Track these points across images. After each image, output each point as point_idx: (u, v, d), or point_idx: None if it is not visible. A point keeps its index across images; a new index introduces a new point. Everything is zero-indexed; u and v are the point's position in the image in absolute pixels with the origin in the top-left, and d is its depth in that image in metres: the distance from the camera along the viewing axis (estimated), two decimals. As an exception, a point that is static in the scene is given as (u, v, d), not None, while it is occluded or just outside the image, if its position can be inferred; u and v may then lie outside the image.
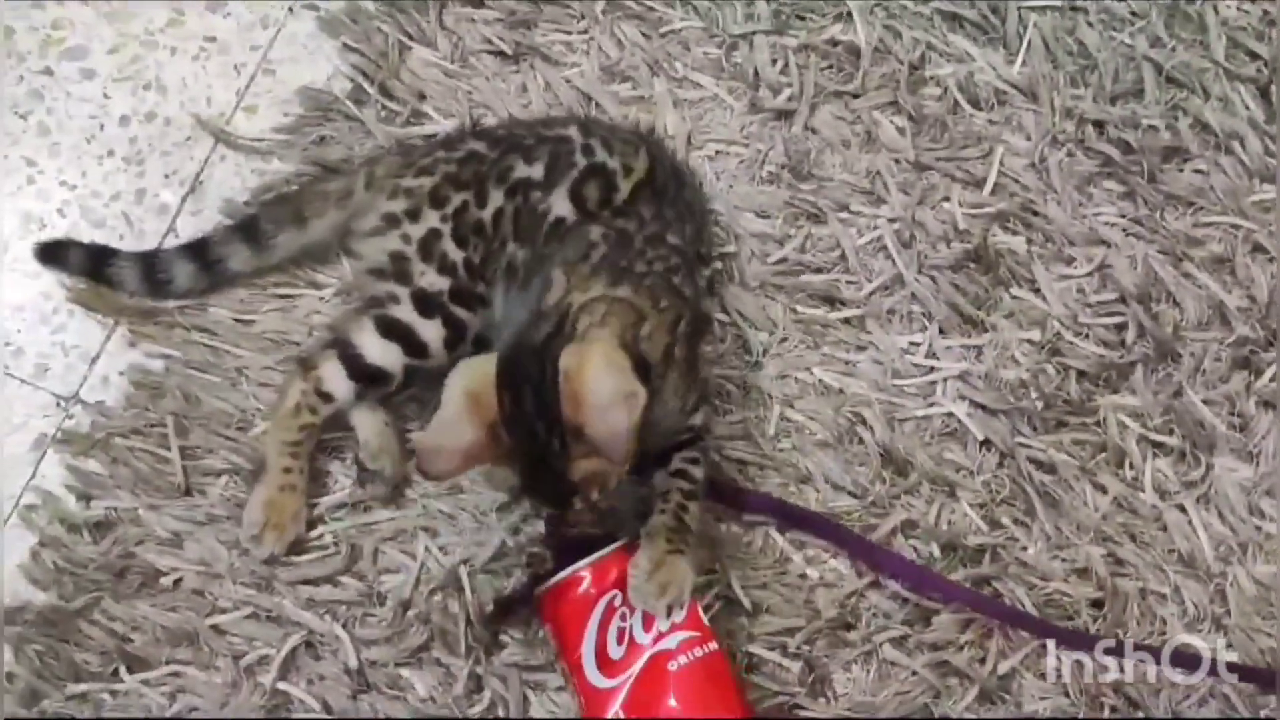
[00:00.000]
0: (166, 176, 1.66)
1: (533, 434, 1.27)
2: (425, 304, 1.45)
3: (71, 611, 1.46)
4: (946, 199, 1.66)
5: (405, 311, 1.45)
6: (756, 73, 1.71)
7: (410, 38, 1.71)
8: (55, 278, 1.60)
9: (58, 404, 1.56)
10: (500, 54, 1.71)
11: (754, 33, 1.72)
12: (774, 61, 1.71)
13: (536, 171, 1.48)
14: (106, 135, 1.67)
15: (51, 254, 1.55)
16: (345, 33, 1.72)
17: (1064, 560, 1.52)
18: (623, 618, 1.37)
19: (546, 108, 1.68)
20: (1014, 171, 1.68)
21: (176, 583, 1.49)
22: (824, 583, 1.51)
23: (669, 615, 1.36)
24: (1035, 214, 1.66)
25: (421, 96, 1.69)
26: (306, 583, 1.48)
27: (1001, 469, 1.56)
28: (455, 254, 1.47)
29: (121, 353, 1.58)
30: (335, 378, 1.45)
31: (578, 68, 1.70)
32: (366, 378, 1.46)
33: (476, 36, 1.71)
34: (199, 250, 1.54)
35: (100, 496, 1.52)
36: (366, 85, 1.69)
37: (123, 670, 1.45)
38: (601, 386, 1.25)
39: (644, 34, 1.72)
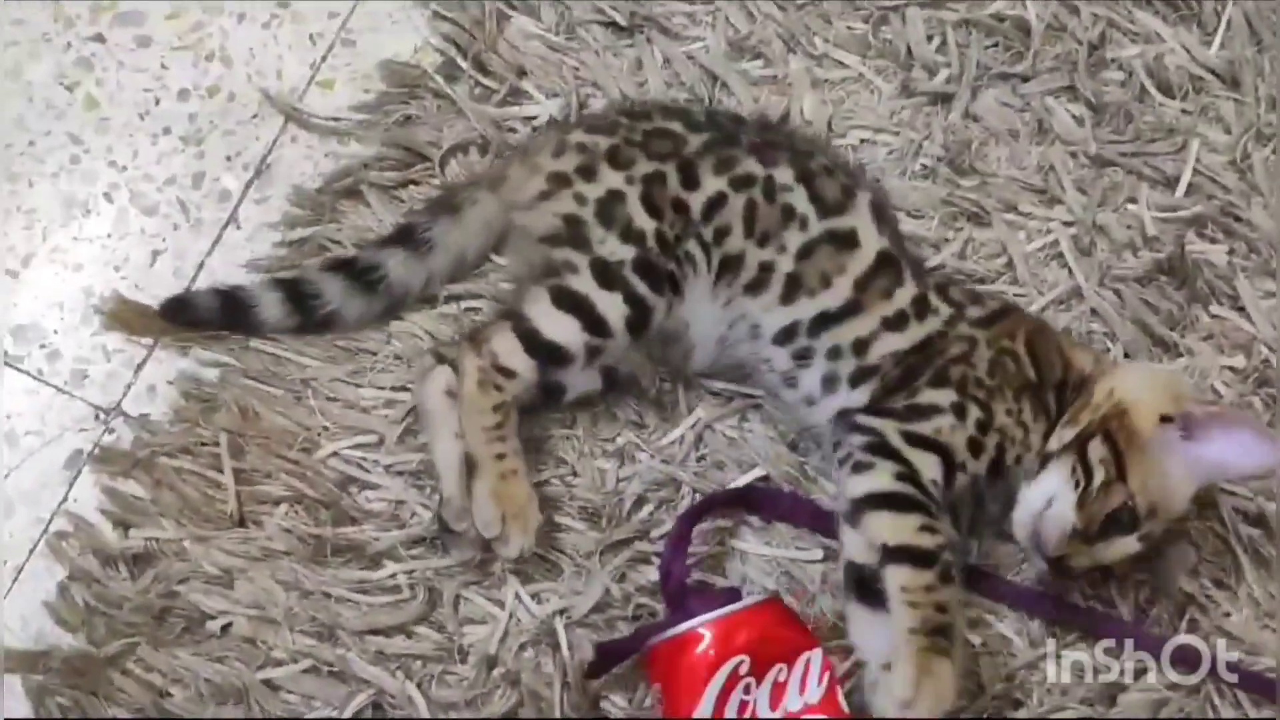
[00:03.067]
0: (229, 159, 1.57)
1: None
2: (605, 274, 1.38)
3: (102, 659, 1.36)
4: (1132, 200, 1.57)
5: (583, 281, 1.38)
6: (909, 50, 1.63)
7: (510, 5, 1.64)
8: (100, 272, 1.50)
9: (96, 416, 1.47)
10: (612, 25, 1.63)
11: (907, 4, 1.64)
12: (930, 38, 1.63)
13: (784, 175, 1.41)
14: (162, 110, 1.59)
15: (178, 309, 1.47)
16: (436, -1, 1.64)
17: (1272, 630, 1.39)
18: (746, 689, 1.27)
19: (665, 87, 1.59)
20: (1212, 170, 1.58)
21: (225, 628, 1.38)
22: (988, 650, 1.37)
23: None
24: (1237, 219, 1.56)
25: (521, 72, 1.61)
26: (375, 632, 1.37)
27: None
28: (644, 222, 1.39)
29: (171, 359, 1.48)
30: (512, 352, 1.36)
31: (701, 42, 1.63)
32: (545, 354, 1.37)
33: (586, 5, 1.64)
34: (349, 266, 1.45)
35: (140, 525, 1.41)
36: (459, 59, 1.61)
37: (160, 729, 1.36)
38: None
39: (779, 5, 1.65)
